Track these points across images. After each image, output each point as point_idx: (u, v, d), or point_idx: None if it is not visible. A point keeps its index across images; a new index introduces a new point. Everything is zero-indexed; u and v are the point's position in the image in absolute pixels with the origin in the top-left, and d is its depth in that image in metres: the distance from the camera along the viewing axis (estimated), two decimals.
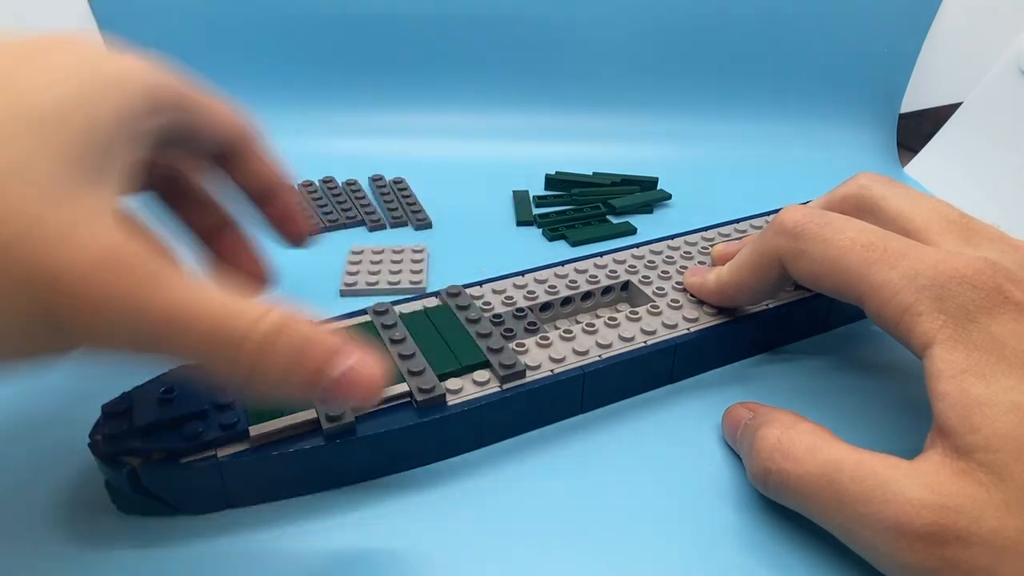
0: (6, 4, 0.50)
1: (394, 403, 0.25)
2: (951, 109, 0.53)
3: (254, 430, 0.23)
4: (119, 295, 0.17)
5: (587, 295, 0.33)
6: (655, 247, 0.36)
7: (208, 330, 0.18)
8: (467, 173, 0.51)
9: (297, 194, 0.26)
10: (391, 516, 0.24)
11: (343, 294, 0.37)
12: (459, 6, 0.53)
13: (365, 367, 0.19)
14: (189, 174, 0.26)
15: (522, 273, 0.33)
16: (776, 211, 0.41)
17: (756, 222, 0.39)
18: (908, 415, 0.29)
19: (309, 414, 0.24)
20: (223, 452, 0.23)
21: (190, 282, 0.18)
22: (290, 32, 0.53)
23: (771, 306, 0.32)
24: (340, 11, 0.52)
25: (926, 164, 0.54)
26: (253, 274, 0.27)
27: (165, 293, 0.17)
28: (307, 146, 0.54)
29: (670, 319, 0.30)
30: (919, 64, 0.55)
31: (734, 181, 0.51)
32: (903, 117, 0.57)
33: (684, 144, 0.54)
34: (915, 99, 0.56)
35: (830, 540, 0.23)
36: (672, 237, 0.37)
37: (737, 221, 0.39)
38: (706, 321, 0.30)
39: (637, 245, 0.36)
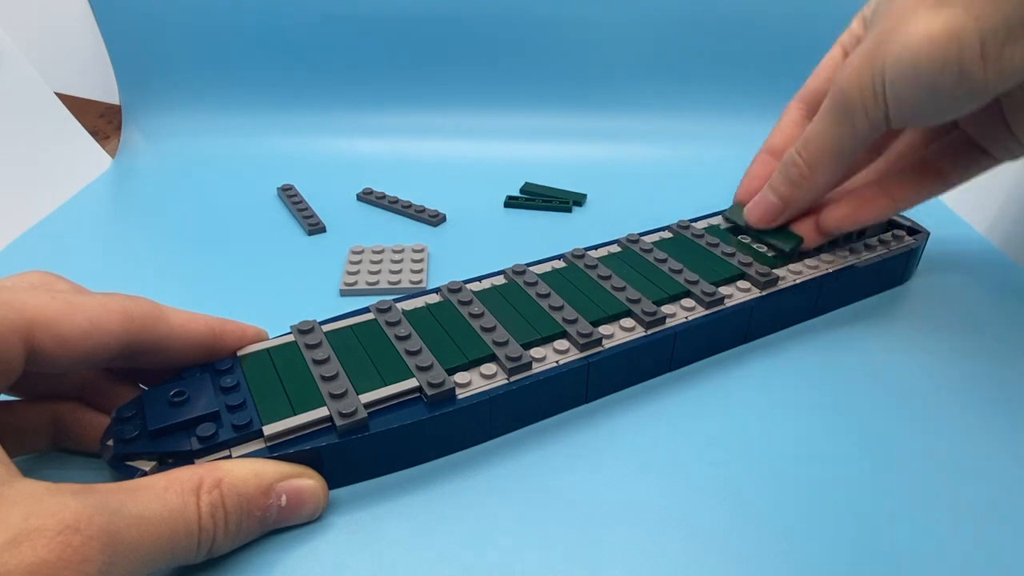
0: (7, 4, 0.50)
1: (404, 399, 0.26)
2: None
3: (268, 429, 0.24)
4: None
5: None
6: (650, 238, 0.37)
7: (168, 544, 0.20)
8: (454, 172, 0.52)
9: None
10: (402, 510, 0.25)
11: (343, 294, 0.37)
12: (450, 8, 0.53)
13: (301, 489, 0.23)
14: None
15: (529, 265, 0.34)
16: None
17: None
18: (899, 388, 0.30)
19: (322, 411, 0.24)
20: (237, 452, 0.23)
21: (128, 511, 0.19)
22: (290, 34, 0.53)
23: (762, 295, 0.32)
24: (338, 12, 0.52)
25: None
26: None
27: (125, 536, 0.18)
28: (305, 146, 0.54)
29: (668, 309, 0.31)
30: None
31: (736, 180, 0.51)
32: None
33: (684, 144, 0.55)
34: None
35: (829, 538, 0.23)
36: (675, 226, 0.38)
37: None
38: (703, 311, 0.31)
39: (644, 234, 0.37)
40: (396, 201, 0.47)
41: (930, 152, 0.34)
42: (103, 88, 0.55)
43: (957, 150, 0.33)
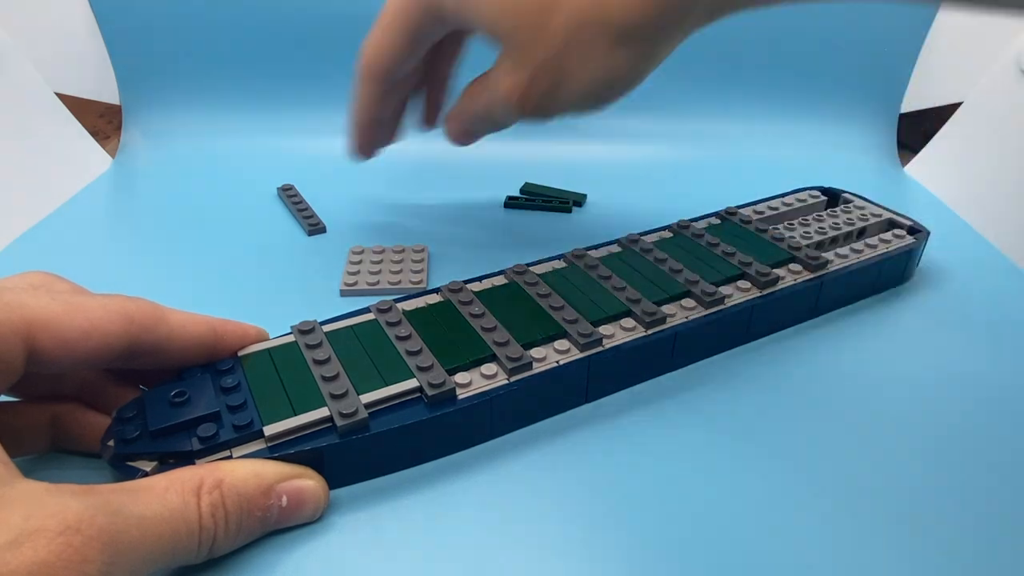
0: (7, 4, 0.50)
1: (405, 399, 0.26)
2: (951, 109, 0.54)
3: (268, 429, 0.24)
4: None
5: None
6: (653, 237, 0.37)
7: (169, 545, 0.20)
8: (454, 172, 0.52)
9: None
10: (403, 510, 0.25)
11: (343, 294, 0.37)
12: None
13: (302, 489, 0.23)
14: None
15: (530, 265, 0.34)
16: (793, 192, 0.43)
17: (774, 202, 0.41)
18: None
19: (322, 412, 0.24)
20: (238, 452, 0.23)
21: (130, 512, 0.19)
22: (290, 34, 0.53)
23: (762, 294, 0.33)
24: (339, 12, 0.52)
25: (926, 164, 0.54)
26: None
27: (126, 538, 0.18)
28: (305, 146, 0.54)
29: (668, 309, 0.31)
30: (919, 64, 0.55)
31: (736, 180, 0.51)
32: (903, 117, 0.57)
33: (684, 144, 0.55)
34: (915, 99, 0.57)
35: (827, 535, 0.23)
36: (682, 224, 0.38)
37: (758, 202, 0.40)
38: (703, 310, 0.31)
39: (644, 234, 0.37)
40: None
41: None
42: (103, 88, 0.55)
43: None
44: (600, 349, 0.29)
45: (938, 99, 0.56)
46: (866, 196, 0.42)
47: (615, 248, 0.36)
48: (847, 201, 0.42)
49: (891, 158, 0.56)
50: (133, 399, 0.25)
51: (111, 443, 0.23)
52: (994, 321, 0.36)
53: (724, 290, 0.32)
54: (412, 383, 0.26)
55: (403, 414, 0.25)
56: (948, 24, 0.54)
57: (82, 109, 0.54)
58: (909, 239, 0.37)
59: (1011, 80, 0.48)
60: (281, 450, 0.24)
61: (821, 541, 0.24)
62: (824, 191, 0.43)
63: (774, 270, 0.34)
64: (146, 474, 0.23)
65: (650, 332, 0.30)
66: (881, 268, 0.36)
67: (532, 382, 0.27)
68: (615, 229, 0.38)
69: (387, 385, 0.26)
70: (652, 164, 0.51)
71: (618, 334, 0.29)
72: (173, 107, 0.55)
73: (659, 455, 0.27)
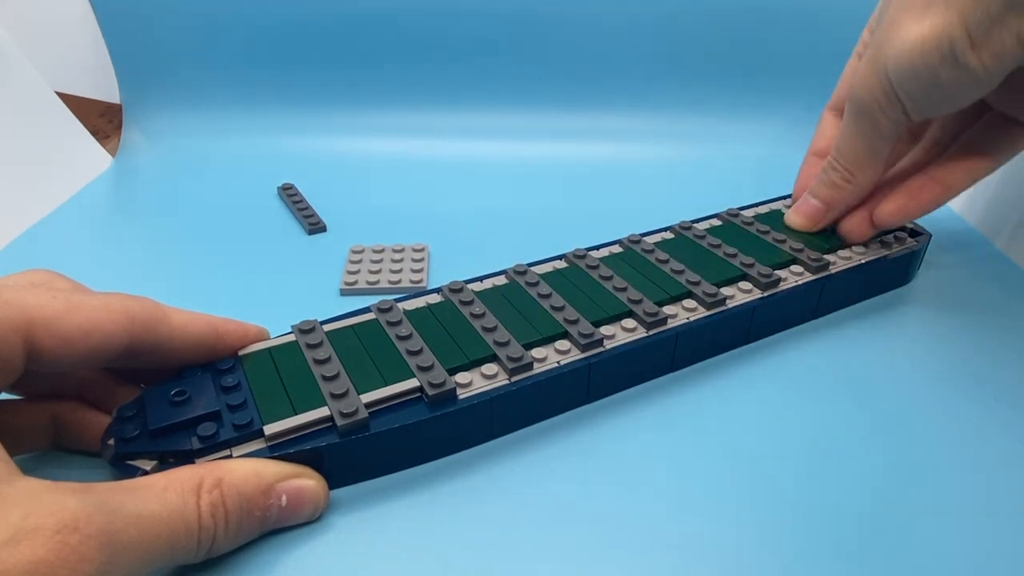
0: (7, 4, 0.50)
1: (405, 399, 0.26)
2: None
3: (268, 428, 0.24)
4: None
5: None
6: (651, 238, 0.37)
7: (167, 544, 0.20)
8: (455, 171, 0.52)
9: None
10: (402, 510, 0.25)
11: (343, 293, 0.37)
12: (451, 7, 0.53)
13: (302, 489, 0.23)
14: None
15: (531, 265, 0.34)
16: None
17: (776, 204, 0.41)
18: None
19: (322, 411, 0.24)
20: (238, 451, 0.23)
21: (128, 512, 0.19)
22: (290, 33, 0.53)
23: (763, 295, 0.32)
24: (339, 11, 0.52)
25: None
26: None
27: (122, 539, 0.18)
28: (305, 146, 0.54)
29: (669, 310, 0.31)
30: None
31: (735, 180, 0.51)
32: None
33: (686, 144, 0.55)
34: None
35: (828, 535, 0.23)
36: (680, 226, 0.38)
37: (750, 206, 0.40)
38: (704, 311, 0.31)
39: (646, 234, 0.37)
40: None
41: (970, 135, 0.34)
42: (103, 87, 0.55)
43: (996, 128, 0.33)
44: (601, 350, 0.29)
45: None
46: None
47: (617, 248, 0.36)
48: None
49: None
50: (133, 398, 0.25)
51: (111, 442, 0.23)
52: (996, 323, 0.35)
53: (726, 291, 0.32)
54: (412, 383, 0.26)
55: (403, 414, 0.25)
56: None
57: (82, 109, 0.54)
58: (911, 242, 0.37)
59: None
60: (281, 449, 0.23)
61: (825, 542, 0.24)
62: None
63: (776, 271, 0.33)
64: (146, 473, 0.22)
65: (651, 333, 0.30)
66: (883, 270, 0.36)
67: (532, 382, 0.27)
68: (617, 229, 0.38)
69: (387, 385, 0.26)
70: (654, 164, 0.51)
71: (619, 335, 0.29)
72: (173, 107, 0.55)
73: (660, 456, 0.27)
